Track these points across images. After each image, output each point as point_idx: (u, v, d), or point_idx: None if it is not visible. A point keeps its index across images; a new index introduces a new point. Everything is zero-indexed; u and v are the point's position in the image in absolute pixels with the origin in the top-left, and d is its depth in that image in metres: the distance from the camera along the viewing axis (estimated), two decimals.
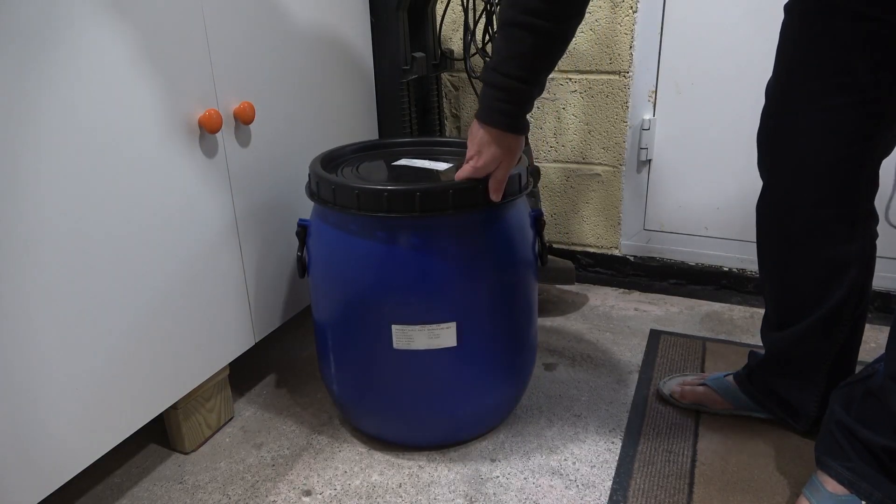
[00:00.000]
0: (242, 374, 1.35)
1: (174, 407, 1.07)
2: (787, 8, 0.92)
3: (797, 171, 0.93)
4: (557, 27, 0.82)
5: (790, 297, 1.02)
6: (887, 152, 0.92)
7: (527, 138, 1.52)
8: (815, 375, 1.04)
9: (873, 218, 0.97)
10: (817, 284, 0.98)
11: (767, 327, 1.08)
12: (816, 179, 0.92)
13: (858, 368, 1.01)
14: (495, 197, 0.94)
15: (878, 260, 1.01)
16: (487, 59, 1.53)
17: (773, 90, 0.96)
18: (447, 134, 1.75)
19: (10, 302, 0.77)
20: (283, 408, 1.26)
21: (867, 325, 1.45)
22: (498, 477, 1.06)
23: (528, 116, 0.90)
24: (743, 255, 1.62)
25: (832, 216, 0.93)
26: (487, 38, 1.52)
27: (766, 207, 1.01)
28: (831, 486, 0.89)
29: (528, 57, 0.84)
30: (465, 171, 0.93)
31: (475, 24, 1.52)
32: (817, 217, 0.94)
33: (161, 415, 1.05)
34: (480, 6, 1.53)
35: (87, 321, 0.87)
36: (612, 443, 1.13)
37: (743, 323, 1.52)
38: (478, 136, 0.90)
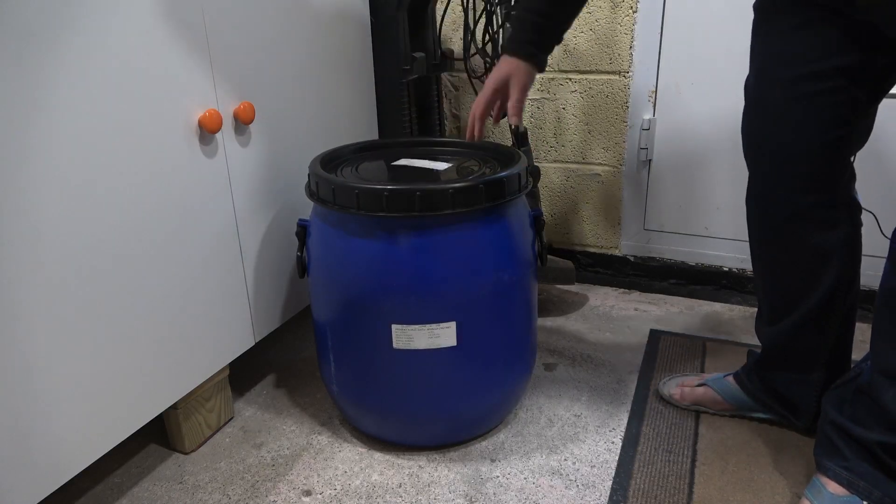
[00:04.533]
0: (242, 374, 1.35)
1: (174, 407, 1.07)
2: (755, 7, 0.95)
3: (776, 160, 0.95)
4: None
5: (780, 290, 1.03)
6: (861, 143, 0.95)
7: (527, 138, 1.53)
8: (812, 369, 1.04)
9: (856, 206, 0.98)
10: (804, 274, 0.99)
11: (761, 322, 1.09)
12: (795, 168, 0.94)
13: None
14: (514, 120, 1.04)
15: (878, 260, 1.01)
16: (487, 58, 1.53)
17: (750, 85, 0.99)
18: (447, 134, 1.75)
19: (11, 302, 0.77)
20: (283, 408, 1.26)
21: (866, 325, 1.46)
22: (498, 477, 1.06)
23: (549, 55, 1.03)
24: (743, 255, 1.62)
25: (812, 203, 0.95)
26: (487, 38, 1.52)
27: (752, 198, 1.03)
28: (832, 487, 0.90)
29: None
30: (481, 96, 1.04)
31: (475, 24, 1.52)
32: (798, 205, 0.95)
33: (161, 415, 1.05)
34: (480, 6, 1.53)
35: (88, 321, 0.87)
36: (612, 443, 1.13)
37: (743, 323, 1.52)
38: (499, 64, 1.03)
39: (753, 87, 0.97)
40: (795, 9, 0.87)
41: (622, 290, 1.72)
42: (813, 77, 0.88)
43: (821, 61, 0.87)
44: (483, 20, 1.51)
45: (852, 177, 0.97)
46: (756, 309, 1.11)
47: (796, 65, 0.89)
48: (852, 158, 0.97)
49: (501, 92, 1.05)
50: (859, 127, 0.92)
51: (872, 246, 1.03)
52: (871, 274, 1.05)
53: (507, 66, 1.02)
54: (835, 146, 0.91)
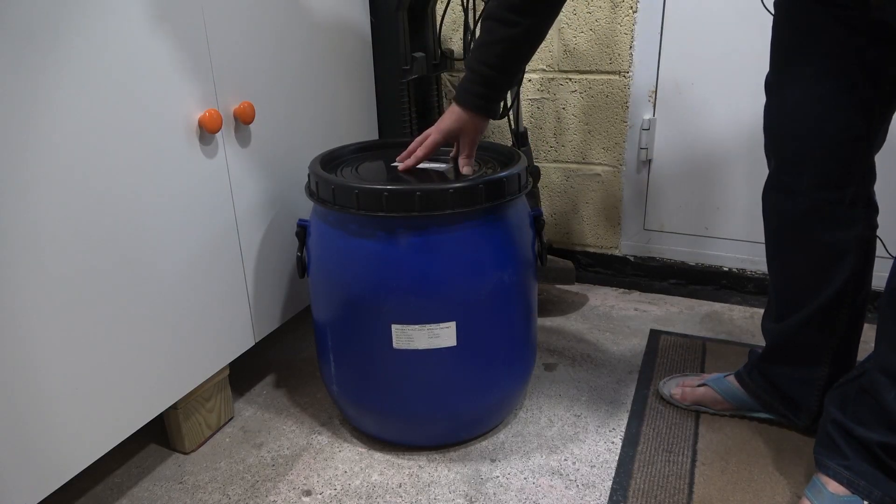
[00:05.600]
0: (242, 374, 1.35)
1: (174, 407, 1.07)
2: (776, 4, 0.96)
3: (795, 155, 0.96)
4: (528, 22, 0.92)
5: (791, 285, 1.04)
6: (880, 143, 0.95)
7: (527, 138, 1.53)
8: (815, 367, 1.04)
9: (872, 207, 0.98)
10: (816, 271, 0.99)
11: (768, 319, 1.09)
12: (814, 163, 0.94)
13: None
14: (466, 171, 1.03)
15: (878, 260, 1.01)
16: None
17: (770, 82, 0.98)
18: None
19: (11, 301, 0.77)
20: (283, 408, 1.26)
21: (868, 326, 1.45)
22: (498, 477, 1.06)
23: (499, 104, 1.01)
24: (743, 255, 1.62)
25: (829, 200, 0.95)
26: None
27: (769, 192, 1.03)
28: (833, 486, 0.90)
29: (500, 46, 0.94)
30: (429, 140, 1.03)
31: (475, 24, 1.52)
32: (815, 201, 0.95)
33: (161, 415, 1.05)
34: (480, 6, 1.53)
35: (87, 321, 0.87)
36: (612, 443, 1.13)
37: (743, 323, 1.52)
38: (449, 114, 1.01)
39: (773, 84, 0.98)
40: (813, 7, 0.88)
41: (622, 290, 1.71)
42: (831, 75, 0.89)
43: (838, 59, 0.88)
44: None
45: (872, 177, 0.97)
46: (761, 309, 1.11)
47: (814, 63, 0.90)
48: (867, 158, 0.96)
49: (452, 139, 1.04)
50: (878, 126, 0.93)
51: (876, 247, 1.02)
52: (874, 275, 1.04)
53: (457, 119, 1.00)
54: (854, 143, 0.92)
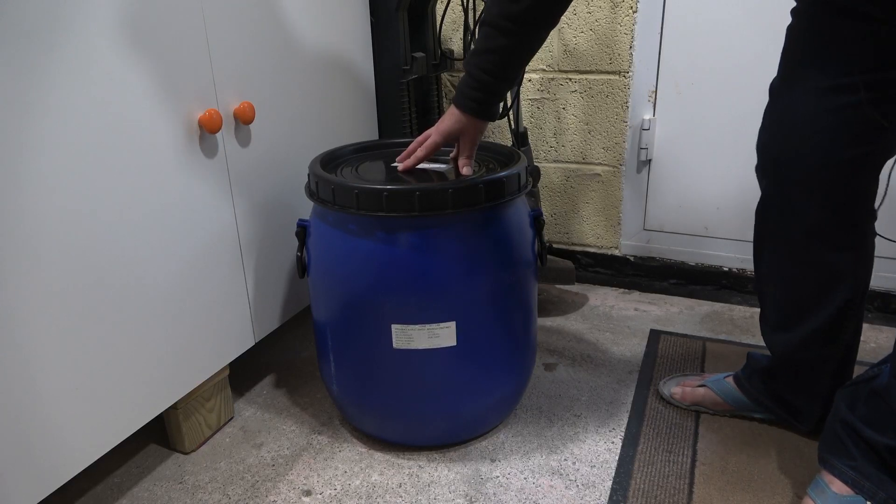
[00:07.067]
0: (242, 374, 1.35)
1: (174, 407, 1.07)
2: (794, 11, 0.92)
3: (801, 174, 0.92)
4: (526, 31, 0.91)
5: (791, 301, 1.02)
6: (889, 156, 0.92)
7: (527, 138, 1.53)
8: (819, 378, 1.03)
9: (872, 217, 0.96)
10: (819, 288, 0.97)
11: (769, 327, 1.08)
12: (820, 183, 0.91)
13: (856, 367, 1.01)
14: (466, 171, 1.03)
15: (878, 260, 1.01)
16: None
17: (778, 90, 0.95)
18: None
19: (11, 302, 0.77)
20: (283, 408, 1.26)
21: (867, 325, 1.46)
22: (498, 477, 1.06)
23: (498, 106, 1.01)
24: (743, 255, 1.62)
25: (833, 221, 0.92)
26: None
27: (767, 212, 0.99)
28: (837, 486, 0.89)
29: (498, 54, 0.93)
30: (429, 141, 1.03)
31: (475, 24, 1.52)
32: (819, 221, 0.93)
33: (161, 415, 1.05)
34: (480, 6, 1.53)
35: (88, 321, 0.87)
36: (612, 443, 1.13)
37: (743, 323, 1.52)
38: (448, 116, 1.01)
39: (782, 93, 0.94)
40: (834, 16, 0.84)
41: (622, 290, 1.72)
42: (849, 89, 0.84)
43: (856, 72, 0.83)
44: None
45: (875, 189, 0.93)
46: (758, 309, 1.10)
47: (832, 74, 0.85)
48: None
49: (451, 141, 1.03)
50: (891, 142, 0.89)
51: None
52: (876, 275, 1.04)
53: (457, 122, 1.00)
54: (865, 162, 0.89)
